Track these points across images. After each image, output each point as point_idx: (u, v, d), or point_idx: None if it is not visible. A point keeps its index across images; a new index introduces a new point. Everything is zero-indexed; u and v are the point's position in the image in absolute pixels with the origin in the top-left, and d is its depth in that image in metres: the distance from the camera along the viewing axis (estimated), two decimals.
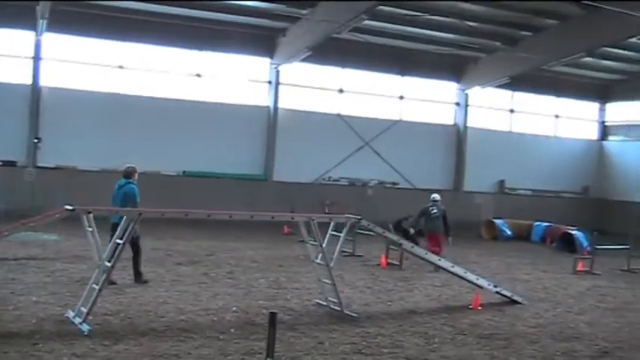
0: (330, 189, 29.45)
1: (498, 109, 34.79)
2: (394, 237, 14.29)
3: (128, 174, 14.07)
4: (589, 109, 37.40)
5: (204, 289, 13.53)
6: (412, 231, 19.03)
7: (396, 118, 31.88)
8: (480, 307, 13.46)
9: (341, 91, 30.94)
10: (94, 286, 10.27)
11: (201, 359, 8.96)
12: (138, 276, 13.89)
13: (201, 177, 27.81)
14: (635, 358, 10.60)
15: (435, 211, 18.75)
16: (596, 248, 21.36)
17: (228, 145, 28.52)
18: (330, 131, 30.09)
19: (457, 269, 14.10)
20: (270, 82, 29.61)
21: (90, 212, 10.06)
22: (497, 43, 29.98)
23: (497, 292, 14.24)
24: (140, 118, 27.25)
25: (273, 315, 7.31)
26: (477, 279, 14.36)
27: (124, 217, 10.62)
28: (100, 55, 27.10)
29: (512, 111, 35.02)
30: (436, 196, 19.44)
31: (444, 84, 33.17)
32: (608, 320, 13.37)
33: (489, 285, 14.33)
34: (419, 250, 13.75)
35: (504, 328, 11.93)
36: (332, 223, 12.74)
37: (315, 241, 12.09)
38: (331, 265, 12.08)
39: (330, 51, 28.95)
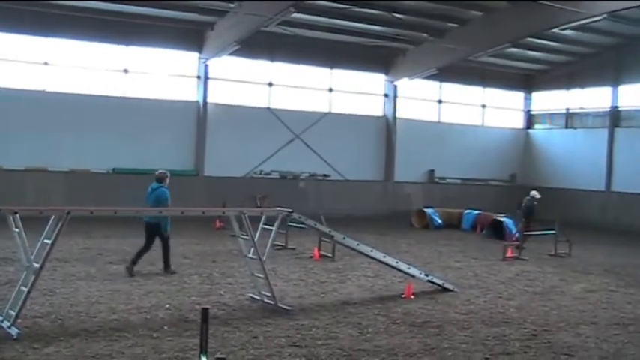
0: (262, 183, 29.36)
1: (427, 100, 35.18)
2: (325, 229, 14.35)
3: (160, 179, 15.46)
4: (515, 98, 38.14)
5: (136, 287, 13.38)
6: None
7: (326, 110, 31.96)
8: (412, 296, 13.64)
9: (270, 84, 30.85)
10: (23, 288, 10.06)
11: (134, 358, 8.87)
12: (167, 268, 15.29)
13: (131, 174, 27.38)
14: (562, 339, 10.89)
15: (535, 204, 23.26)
16: (525, 234, 21.86)
17: (158, 141, 28.16)
18: (260, 125, 29.99)
19: (389, 259, 14.25)
20: (198, 77, 29.32)
21: (16, 213, 9.84)
22: (425, 35, 30.32)
23: (428, 281, 14.45)
24: (67, 115, 26.52)
25: (205, 311, 7.28)
26: (409, 268, 14.55)
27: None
28: (25, 52, 26.38)
29: (440, 101, 35.47)
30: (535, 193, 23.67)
31: (373, 76, 33.37)
32: (537, 304, 13.71)
33: (421, 274, 14.53)
34: (350, 241, 13.84)
35: (436, 316, 12.12)
36: (263, 217, 12.76)
37: (246, 235, 12.07)
38: (263, 258, 12.09)
39: (259, 44, 28.85)
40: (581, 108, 35.63)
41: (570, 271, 18.34)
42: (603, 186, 33.56)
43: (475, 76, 35.69)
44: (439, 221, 28.48)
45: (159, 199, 14.92)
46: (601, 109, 34.50)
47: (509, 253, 20.29)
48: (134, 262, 14.95)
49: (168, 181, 15.50)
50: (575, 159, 34.82)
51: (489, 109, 37.13)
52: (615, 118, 33.69)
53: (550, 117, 37.38)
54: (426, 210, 29.02)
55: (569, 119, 36.23)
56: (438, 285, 14.50)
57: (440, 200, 32.23)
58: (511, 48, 30.28)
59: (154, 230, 15.18)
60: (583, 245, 23.48)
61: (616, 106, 33.67)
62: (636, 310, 13.59)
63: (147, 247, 15.21)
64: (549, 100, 37.26)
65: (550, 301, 14.14)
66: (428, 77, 33.11)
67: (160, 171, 15.71)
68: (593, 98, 34.91)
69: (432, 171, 34.57)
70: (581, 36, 30.68)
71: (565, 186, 34.69)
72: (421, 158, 34.00)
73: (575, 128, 35.87)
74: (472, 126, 36.36)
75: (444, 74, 33.31)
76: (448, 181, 35.14)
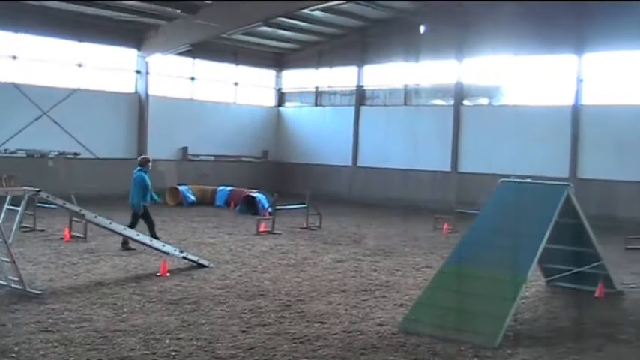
0: (7, 162, 27.61)
1: (180, 77, 34.88)
2: (76, 208, 13.85)
3: (140, 163, 17.59)
4: (267, 76, 38.85)
5: None
6: None
7: (75, 86, 30.66)
8: (167, 274, 13.59)
9: (15, 57, 29.01)
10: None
11: None
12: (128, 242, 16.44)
13: None
14: (315, 308, 11.36)
15: None
16: (277, 209, 22.45)
17: None
18: (4, 101, 28.10)
19: (142, 237, 14.11)
20: None
21: None
22: (178, 11, 29.91)
23: (184, 258, 14.46)
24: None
25: None
26: (163, 245, 14.49)
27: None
28: None
29: (193, 79, 35.32)
30: None
31: (125, 51, 32.47)
32: (290, 276, 14.18)
33: (176, 251, 14.50)
34: (102, 220, 13.49)
35: (193, 292, 12.17)
36: (9, 197, 12.09)
37: None
38: (10, 241, 11.46)
39: (2, 15, 27.07)
40: (329, 87, 37.06)
41: (321, 243, 19.13)
42: (350, 161, 35.21)
43: (228, 54, 35.92)
44: (192, 198, 28.48)
45: (135, 182, 17.05)
46: (348, 88, 36.09)
47: (262, 228, 20.75)
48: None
49: (150, 165, 17.68)
50: (325, 136, 36.21)
51: (242, 87, 37.54)
52: (361, 96, 35.42)
53: (300, 95, 38.56)
54: (179, 187, 28.89)
55: (319, 97, 37.58)
56: (194, 261, 14.55)
57: (194, 177, 32.23)
58: (263, 27, 30.80)
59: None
60: (332, 218, 24.56)
61: (361, 85, 35.39)
62: (381, 277, 14.49)
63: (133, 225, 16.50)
64: (300, 79, 38.35)
65: (302, 272, 14.68)
66: (181, 54, 32.83)
67: (142, 156, 18.31)
68: (341, 77, 36.41)
69: (186, 148, 34.40)
70: (329, 17, 31.87)
71: (315, 162, 36.04)
72: (174, 135, 33.68)
73: (324, 106, 37.27)
74: (225, 103, 36.57)
75: (197, 51, 33.21)
76: (202, 158, 35.15)
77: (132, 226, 16.42)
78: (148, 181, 17.26)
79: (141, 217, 17.10)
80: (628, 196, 26.39)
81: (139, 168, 17.43)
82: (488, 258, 10.94)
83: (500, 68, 30.69)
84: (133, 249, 16.15)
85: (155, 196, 18.01)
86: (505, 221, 11.80)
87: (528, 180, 13.60)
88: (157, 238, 15.95)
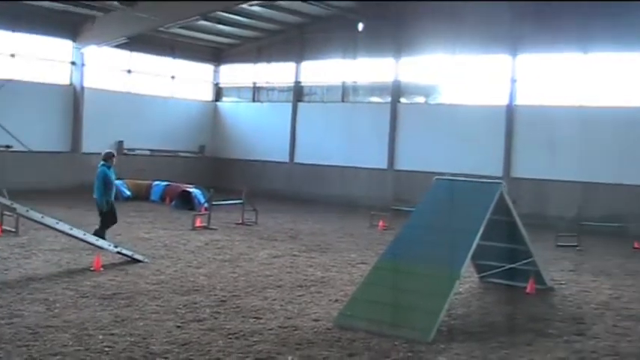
0: None
1: (116, 70, 34.40)
2: (7, 201, 13.57)
3: (103, 158, 16.80)
4: (204, 71, 38.61)
5: None
6: None
7: (8, 77, 29.94)
8: (101, 269, 13.42)
9: None
10: None
11: None
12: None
13: None
14: (251, 303, 11.37)
15: None
16: (213, 204, 22.35)
17: None
18: None
19: (76, 231, 13.87)
20: None
21: None
22: (115, 2, 29.46)
23: (118, 252, 14.31)
24: None
25: None
26: (97, 240, 14.30)
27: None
28: None
29: (130, 72, 34.87)
30: None
31: (60, 42, 31.85)
32: (226, 271, 14.15)
33: (110, 245, 14.35)
34: (34, 214, 13.24)
35: (127, 287, 12.05)
36: None
37: None
38: None
39: None
40: (267, 82, 37.00)
41: (257, 239, 19.13)
42: (287, 158, 35.21)
43: (166, 48, 35.56)
44: (128, 193, 28.14)
45: (97, 178, 16.55)
46: (285, 84, 36.09)
47: (198, 223, 20.64)
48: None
49: (114, 160, 16.95)
50: (262, 132, 36.13)
51: (179, 81, 37.22)
52: (298, 93, 35.45)
53: (238, 90, 38.41)
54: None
55: (256, 93, 37.49)
56: (128, 256, 14.41)
57: (130, 172, 31.78)
58: (202, 21, 30.59)
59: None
60: (269, 214, 24.56)
61: (299, 82, 35.43)
62: (317, 273, 14.57)
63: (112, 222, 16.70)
64: (238, 74, 38.20)
65: (238, 267, 14.67)
66: (118, 46, 32.37)
67: (106, 150, 17.30)
68: (279, 73, 36.37)
69: (121, 142, 33.93)
70: (268, 13, 31.83)
71: (252, 157, 35.96)
72: (110, 129, 33.13)
73: (261, 102, 37.21)
74: (162, 97, 36.20)
75: (135, 44, 32.78)
76: (138, 152, 34.74)
77: (101, 225, 16.34)
78: (112, 177, 16.76)
79: (106, 213, 16.63)
80: (559, 195, 27.00)
81: (102, 163, 16.75)
82: (422, 254, 11.10)
83: (437, 67, 31.06)
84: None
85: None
86: (439, 218, 11.98)
87: (462, 178, 13.83)
88: (103, 237, 15.46)
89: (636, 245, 20.74)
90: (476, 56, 29.90)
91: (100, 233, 15.90)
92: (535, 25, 27.75)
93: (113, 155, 17.09)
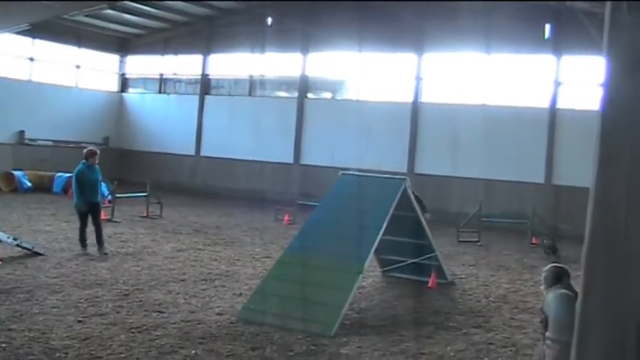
0: None
1: (17, 57, 33.39)
2: None
3: (85, 156, 15.72)
4: (110, 61, 37.88)
5: None
6: None
7: None
8: (0, 262, 13.08)
9: None
10: None
11: None
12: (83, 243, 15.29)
13: None
14: (154, 297, 11.32)
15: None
16: (117, 197, 22.02)
17: None
18: None
19: None
20: None
21: None
22: None
23: (17, 245, 13.99)
24: None
25: None
26: None
27: None
28: None
29: (32, 59, 33.92)
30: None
31: None
32: (129, 265, 14.01)
33: (9, 238, 14.01)
34: None
35: (26, 281, 11.80)
36: None
37: None
38: None
39: None
40: (174, 74, 36.61)
41: (162, 232, 18.98)
42: (193, 151, 34.94)
43: (70, 36, 34.68)
44: (28, 184, 27.43)
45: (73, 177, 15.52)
46: (193, 77, 35.79)
47: (101, 216, 20.25)
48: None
49: (96, 158, 15.67)
50: (168, 124, 35.69)
51: (84, 71, 36.41)
52: (205, 85, 35.21)
53: (144, 82, 37.86)
54: (14, 172, 27.74)
55: (163, 85, 37.03)
56: (28, 249, 14.10)
57: (31, 162, 30.95)
58: (108, 9, 30.00)
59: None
60: (174, 207, 24.36)
61: (207, 75, 35.19)
62: (221, 266, 14.59)
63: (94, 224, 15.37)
64: (144, 65, 37.64)
65: (142, 261, 14.54)
66: (19, 32, 31.41)
67: (88, 148, 16.37)
68: (186, 66, 36.04)
69: (23, 132, 33.00)
70: (176, 4, 31.48)
71: (158, 150, 35.48)
72: (10, 118, 32.16)
73: (168, 94, 36.78)
74: (66, 87, 35.35)
75: (38, 31, 31.84)
76: (40, 142, 33.84)
77: (81, 226, 15.39)
78: (91, 177, 15.38)
79: (84, 215, 15.30)
80: (460, 191, 27.67)
81: (82, 161, 15.65)
82: (326, 248, 11.26)
83: (344, 63, 31.38)
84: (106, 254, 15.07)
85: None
86: (344, 213, 12.16)
87: (367, 173, 14.06)
88: (84, 242, 15.13)
89: (534, 241, 21.48)
90: (383, 54, 30.33)
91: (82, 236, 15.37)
92: (440, 24, 28.31)
93: (95, 153, 15.74)
